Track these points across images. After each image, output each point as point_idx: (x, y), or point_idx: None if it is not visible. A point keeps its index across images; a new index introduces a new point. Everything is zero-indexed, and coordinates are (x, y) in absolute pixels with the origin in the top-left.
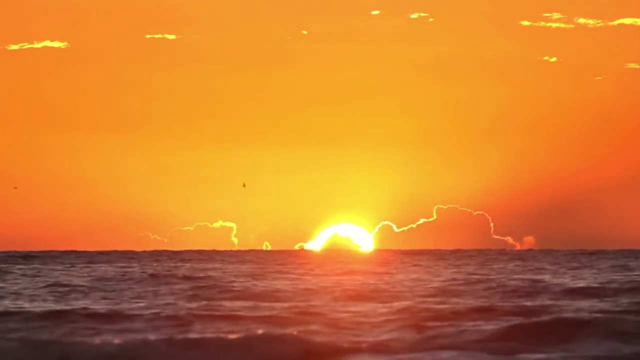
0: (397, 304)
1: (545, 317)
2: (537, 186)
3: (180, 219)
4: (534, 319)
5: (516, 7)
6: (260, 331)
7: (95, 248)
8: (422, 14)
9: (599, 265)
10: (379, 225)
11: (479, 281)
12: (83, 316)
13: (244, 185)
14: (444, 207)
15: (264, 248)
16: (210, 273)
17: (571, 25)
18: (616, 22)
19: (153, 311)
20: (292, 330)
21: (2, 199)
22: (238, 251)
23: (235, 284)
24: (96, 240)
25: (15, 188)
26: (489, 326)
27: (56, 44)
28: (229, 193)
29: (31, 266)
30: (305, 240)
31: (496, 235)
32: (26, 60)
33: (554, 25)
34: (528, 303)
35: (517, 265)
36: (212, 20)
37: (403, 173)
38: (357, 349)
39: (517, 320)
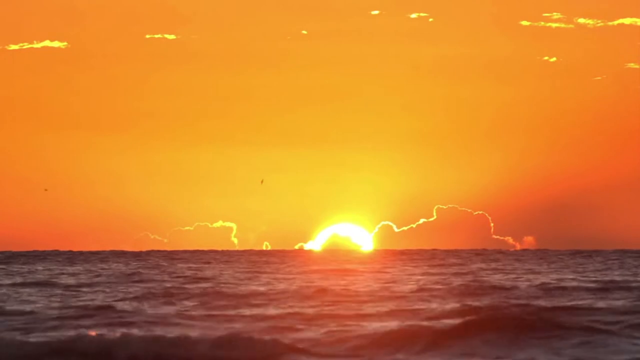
0: (352, 305)
1: (475, 317)
2: (537, 186)
3: (180, 219)
4: (469, 319)
5: (516, 7)
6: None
7: (95, 248)
8: (422, 14)
9: (586, 265)
10: (379, 225)
11: (453, 282)
12: (21, 315)
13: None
14: (444, 207)
15: (264, 248)
16: (190, 273)
17: (571, 25)
18: (616, 22)
19: (94, 310)
20: (212, 331)
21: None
22: (236, 251)
23: (204, 285)
24: (95, 241)
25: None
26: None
27: (56, 44)
28: (229, 193)
29: (14, 266)
30: (305, 240)
31: (496, 235)
32: (26, 60)
33: (554, 25)
34: (478, 303)
35: (507, 264)
36: (212, 21)
37: (403, 173)
38: (278, 349)
39: (458, 321)
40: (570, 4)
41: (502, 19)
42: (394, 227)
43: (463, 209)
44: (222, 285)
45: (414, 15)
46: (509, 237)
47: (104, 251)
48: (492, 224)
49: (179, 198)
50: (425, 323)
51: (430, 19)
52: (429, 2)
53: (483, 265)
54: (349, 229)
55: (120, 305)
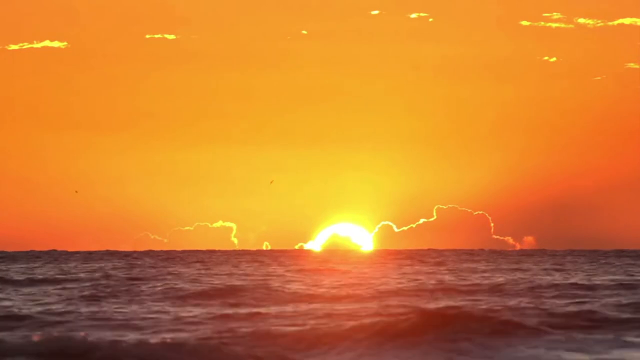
0: (287, 306)
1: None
2: (537, 186)
3: (180, 219)
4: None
5: (516, 7)
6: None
7: (95, 248)
8: (421, 14)
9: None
10: (379, 225)
11: (422, 283)
12: None
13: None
14: (444, 207)
15: (264, 248)
16: (160, 274)
17: (571, 25)
18: (616, 22)
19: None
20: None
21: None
22: (235, 251)
23: (165, 284)
24: (95, 241)
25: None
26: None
27: (56, 44)
28: (229, 193)
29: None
30: (305, 240)
31: (496, 235)
32: (26, 60)
33: (554, 25)
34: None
35: (493, 265)
36: (212, 21)
37: (403, 173)
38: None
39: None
40: (570, 4)
41: (502, 19)
42: (394, 227)
43: (463, 209)
44: (186, 284)
45: (414, 15)
46: (509, 237)
47: (100, 251)
48: (492, 224)
49: (179, 198)
50: (345, 324)
51: (430, 19)
52: (429, 2)
53: (472, 266)
54: (349, 228)
55: (58, 305)
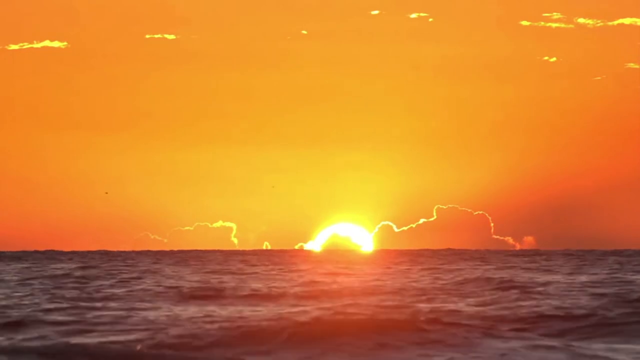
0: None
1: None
2: (537, 186)
3: (180, 219)
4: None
5: (516, 7)
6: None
7: (95, 248)
8: (421, 14)
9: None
10: (379, 225)
11: (397, 283)
12: None
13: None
14: (444, 207)
15: (264, 248)
16: (132, 274)
17: (571, 25)
18: (616, 22)
19: None
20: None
21: None
22: (232, 251)
23: (122, 288)
24: (95, 241)
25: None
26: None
27: (56, 44)
28: (229, 193)
29: None
30: (305, 240)
31: (496, 235)
32: (26, 60)
33: (554, 25)
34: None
35: (477, 265)
36: (212, 21)
37: (403, 173)
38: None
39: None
40: (570, 4)
41: (503, 19)
42: (394, 227)
43: (463, 209)
44: (157, 284)
45: (414, 15)
46: (509, 237)
47: (95, 251)
48: (492, 224)
49: (179, 198)
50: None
51: (430, 19)
52: (429, 2)
53: (460, 266)
54: (349, 228)
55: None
